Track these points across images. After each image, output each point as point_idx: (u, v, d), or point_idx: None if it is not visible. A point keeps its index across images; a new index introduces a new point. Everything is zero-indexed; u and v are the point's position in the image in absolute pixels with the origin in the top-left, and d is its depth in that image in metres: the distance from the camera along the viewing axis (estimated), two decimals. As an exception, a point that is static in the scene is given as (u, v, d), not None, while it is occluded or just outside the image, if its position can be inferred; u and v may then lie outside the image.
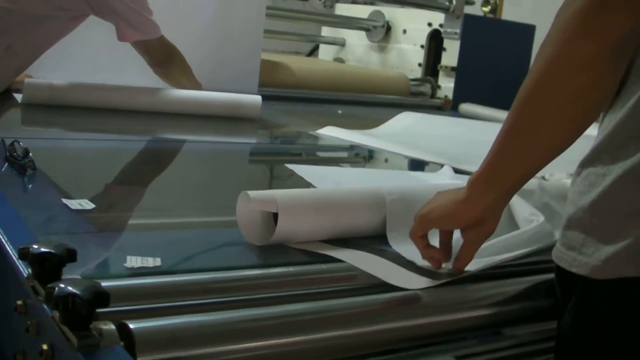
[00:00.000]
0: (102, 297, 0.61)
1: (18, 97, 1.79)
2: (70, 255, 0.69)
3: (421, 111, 2.38)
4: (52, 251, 0.68)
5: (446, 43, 2.84)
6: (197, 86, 2.02)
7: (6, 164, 1.17)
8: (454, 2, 2.73)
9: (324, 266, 0.87)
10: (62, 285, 0.61)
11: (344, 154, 1.89)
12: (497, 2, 2.89)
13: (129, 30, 1.82)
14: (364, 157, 1.82)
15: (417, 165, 1.68)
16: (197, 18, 2.23)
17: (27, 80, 1.78)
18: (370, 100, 2.72)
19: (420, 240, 0.91)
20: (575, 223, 0.86)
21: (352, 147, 1.82)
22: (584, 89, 0.79)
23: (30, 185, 1.12)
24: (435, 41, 2.92)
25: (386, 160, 1.78)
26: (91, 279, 0.70)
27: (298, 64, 2.76)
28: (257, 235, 0.92)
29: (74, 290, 0.60)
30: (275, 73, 2.56)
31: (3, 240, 0.82)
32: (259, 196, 0.91)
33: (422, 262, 0.92)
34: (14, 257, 0.76)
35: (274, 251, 0.91)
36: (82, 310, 0.60)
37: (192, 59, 2.02)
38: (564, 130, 0.82)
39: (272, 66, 2.56)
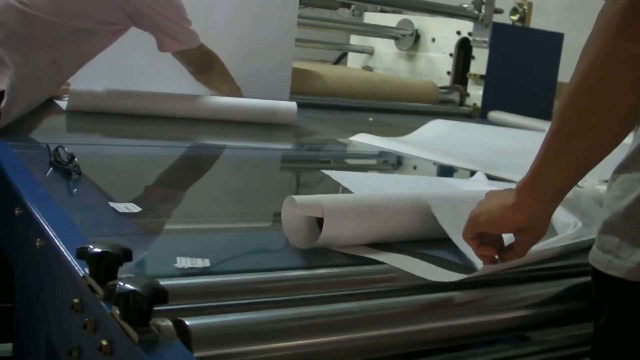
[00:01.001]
0: (161, 295, 0.64)
1: (61, 104, 1.84)
2: (126, 255, 0.72)
3: (450, 119, 2.40)
4: (109, 251, 0.71)
5: (475, 51, 2.85)
6: (237, 92, 2.08)
7: (51, 168, 1.21)
8: (483, 10, 2.75)
9: (366, 268, 0.89)
10: (122, 283, 0.64)
11: (376, 161, 1.91)
12: (526, 11, 2.90)
13: (168, 41, 1.88)
14: (393, 164, 1.84)
15: (449, 172, 1.70)
16: (231, 28, 2.27)
17: (72, 87, 1.83)
18: (400, 108, 2.74)
19: (473, 241, 0.92)
20: (611, 227, 0.87)
21: (383, 154, 1.84)
22: (626, 89, 0.79)
23: (75, 190, 1.15)
24: (463, 49, 2.94)
25: (415, 167, 1.80)
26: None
27: (328, 72, 2.79)
28: (302, 238, 0.94)
29: (135, 288, 0.63)
30: (306, 81, 2.59)
31: (57, 241, 0.85)
32: (305, 201, 0.93)
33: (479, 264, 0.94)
34: (69, 257, 0.80)
35: (317, 254, 0.93)
36: (142, 307, 0.63)
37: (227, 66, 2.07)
38: (607, 133, 0.82)
39: (303, 74, 2.59)
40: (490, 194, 0.93)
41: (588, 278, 0.98)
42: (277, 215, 0.96)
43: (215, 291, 0.77)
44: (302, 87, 2.52)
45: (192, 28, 1.91)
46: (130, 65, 2.06)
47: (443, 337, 0.85)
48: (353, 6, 3.45)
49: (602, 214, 0.91)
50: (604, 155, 0.85)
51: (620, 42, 0.78)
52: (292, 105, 2.04)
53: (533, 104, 2.79)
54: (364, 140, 1.90)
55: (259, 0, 2.36)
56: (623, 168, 0.89)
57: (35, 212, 0.95)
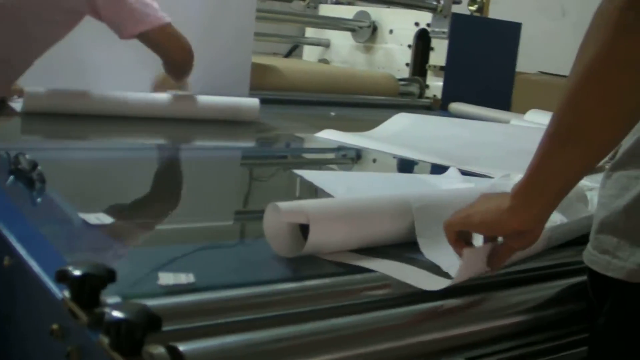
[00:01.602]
0: (154, 321, 0.59)
1: (15, 106, 1.75)
2: (110, 276, 0.67)
3: (411, 111, 2.37)
4: (92, 273, 0.65)
5: (434, 42, 2.83)
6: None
7: (11, 177, 1.14)
8: (442, 1, 2.72)
9: (358, 277, 0.85)
10: (110, 310, 0.59)
11: (344, 158, 1.87)
12: (484, 1, 2.89)
13: (126, 25, 1.73)
14: (361, 159, 1.81)
15: (410, 165, 1.68)
16: (188, 22, 2.19)
17: (27, 88, 1.73)
18: (361, 102, 2.70)
19: (453, 234, 0.88)
20: (609, 226, 0.85)
21: (353, 150, 1.80)
22: (627, 88, 0.76)
23: (41, 200, 1.08)
24: (422, 41, 2.91)
25: (374, 162, 1.78)
26: (131, 299, 0.68)
27: (287, 66, 2.74)
28: (286, 247, 0.90)
29: (126, 316, 0.58)
30: (265, 76, 2.54)
31: (29, 259, 0.79)
32: (289, 208, 0.89)
33: (447, 267, 0.91)
34: (44, 279, 0.74)
35: (304, 262, 0.88)
36: (136, 336, 0.58)
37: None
38: (608, 133, 0.79)
39: (262, 69, 2.53)
40: (484, 196, 0.89)
41: (581, 278, 0.96)
42: (255, 219, 0.92)
43: (204, 309, 0.72)
44: (261, 82, 2.47)
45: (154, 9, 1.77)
46: (84, 63, 1.98)
47: (442, 347, 0.81)
48: (308, -2, 3.40)
49: (597, 212, 0.88)
50: (604, 156, 0.82)
51: (620, 39, 0.74)
52: (255, 102, 1.98)
53: (492, 94, 2.78)
54: (330, 136, 1.86)
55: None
56: (618, 165, 0.86)
57: (1, 227, 0.89)
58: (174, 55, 1.83)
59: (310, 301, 0.78)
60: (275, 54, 3.62)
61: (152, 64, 1.88)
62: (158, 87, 1.94)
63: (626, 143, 0.87)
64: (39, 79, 1.80)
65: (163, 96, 1.89)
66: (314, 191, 1.29)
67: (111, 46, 1.84)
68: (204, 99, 1.94)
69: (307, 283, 0.81)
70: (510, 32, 2.91)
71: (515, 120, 2.30)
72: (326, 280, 0.82)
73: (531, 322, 0.91)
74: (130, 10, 1.71)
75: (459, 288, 0.87)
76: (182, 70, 1.88)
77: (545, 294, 0.95)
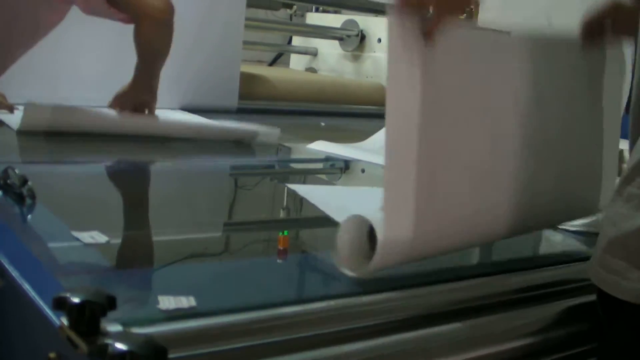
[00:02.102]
0: (160, 353, 0.56)
1: (7, 121, 1.69)
2: (110, 303, 0.63)
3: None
4: (92, 300, 0.62)
5: (423, 51, 2.81)
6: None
7: (0, 192, 1.10)
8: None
9: (365, 299, 0.82)
10: (115, 343, 0.56)
11: (332, 168, 1.85)
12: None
13: None
14: (350, 170, 1.79)
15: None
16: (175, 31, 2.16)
17: (27, 104, 1.62)
18: (351, 112, 2.69)
19: None
20: (619, 247, 0.83)
21: (342, 161, 1.78)
22: None
23: (31, 217, 1.05)
24: (410, 50, 2.89)
25: (362, 172, 1.79)
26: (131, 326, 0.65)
27: (275, 75, 2.72)
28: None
29: (131, 348, 0.55)
30: (253, 85, 2.51)
31: (22, 282, 0.75)
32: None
33: None
34: (39, 303, 0.71)
35: (306, 283, 0.86)
36: (141, 370, 0.55)
37: (170, 72, 1.86)
38: None
39: (250, 78, 2.51)
40: None
41: (586, 297, 0.95)
42: (258, 238, 0.89)
43: (208, 335, 0.69)
44: (249, 91, 2.44)
45: None
46: (65, 69, 1.93)
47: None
48: (295, 7, 3.38)
49: (606, 229, 0.86)
50: None
51: None
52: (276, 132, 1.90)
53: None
54: (322, 148, 1.83)
55: (205, 2, 2.27)
56: (628, 180, 0.85)
57: (-9, 246, 0.86)
58: (148, 11, 1.66)
59: (316, 324, 0.75)
60: (259, 62, 3.59)
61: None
62: (118, 102, 1.75)
63: (633, 158, 0.85)
64: (17, 88, 1.75)
65: (166, 119, 1.82)
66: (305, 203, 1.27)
67: (93, 52, 1.80)
68: (210, 124, 1.88)
69: (313, 306, 0.78)
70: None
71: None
72: (331, 303, 0.79)
73: (537, 345, 0.89)
74: None
75: (464, 310, 0.85)
76: (159, 33, 1.71)
77: (550, 315, 0.94)
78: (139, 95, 1.73)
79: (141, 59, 1.69)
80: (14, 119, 1.66)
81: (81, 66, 1.99)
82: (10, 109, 1.74)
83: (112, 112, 1.72)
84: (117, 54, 1.92)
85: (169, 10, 1.67)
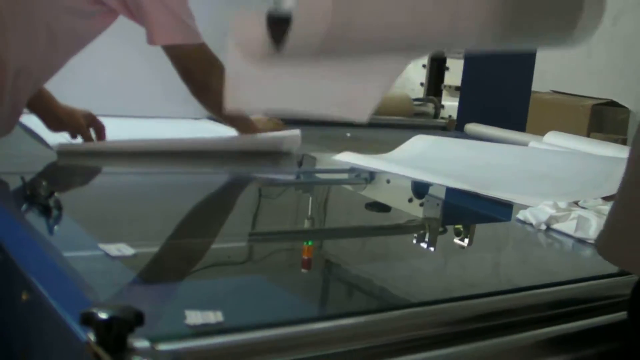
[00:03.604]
0: (189, 372, 0.55)
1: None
2: (137, 319, 0.63)
3: (426, 131, 2.33)
4: (120, 316, 0.62)
5: (449, 62, 2.80)
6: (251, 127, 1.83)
7: (26, 203, 1.10)
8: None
9: (396, 313, 0.81)
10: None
11: (357, 178, 1.83)
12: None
13: (160, 30, 1.53)
14: (375, 180, 1.77)
15: (437, 190, 1.64)
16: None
17: (60, 145, 1.59)
18: (376, 122, 2.67)
19: None
20: None
21: (367, 172, 1.76)
22: None
23: (58, 229, 1.04)
24: (437, 61, 2.87)
25: (387, 182, 1.75)
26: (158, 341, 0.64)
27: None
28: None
29: (160, 367, 0.54)
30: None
31: (49, 297, 0.75)
32: None
33: None
34: (66, 319, 0.70)
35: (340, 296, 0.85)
36: (169, 389, 0.54)
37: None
38: None
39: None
40: None
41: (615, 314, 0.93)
42: (286, 249, 0.88)
43: (237, 352, 0.68)
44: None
45: (193, 24, 1.60)
46: (101, 83, 1.94)
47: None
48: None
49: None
50: None
51: None
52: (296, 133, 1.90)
53: (508, 114, 2.75)
54: (350, 159, 1.82)
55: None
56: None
57: (18, 260, 0.85)
58: (198, 77, 1.64)
59: (348, 341, 0.74)
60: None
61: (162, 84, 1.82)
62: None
63: None
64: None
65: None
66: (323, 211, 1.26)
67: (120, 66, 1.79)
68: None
69: (345, 321, 0.76)
70: (526, 51, 2.88)
71: (533, 142, 2.26)
72: (360, 319, 0.78)
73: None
74: (171, 15, 1.54)
75: (491, 327, 0.83)
76: (198, 89, 1.68)
77: (578, 333, 0.91)
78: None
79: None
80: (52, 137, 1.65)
81: (89, 73, 1.98)
82: (89, 138, 1.66)
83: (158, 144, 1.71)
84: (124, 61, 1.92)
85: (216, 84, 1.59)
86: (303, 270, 1.00)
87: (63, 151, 1.58)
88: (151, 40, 1.56)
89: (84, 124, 1.64)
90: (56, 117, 1.61)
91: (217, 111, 1.75)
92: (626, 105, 4.14)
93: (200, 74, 1.62)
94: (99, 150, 1.65)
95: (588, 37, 0.82)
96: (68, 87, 1.63)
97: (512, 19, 0.79)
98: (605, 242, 0.82)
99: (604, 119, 4.01)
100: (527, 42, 0.94)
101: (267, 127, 1.90)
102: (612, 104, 4.10)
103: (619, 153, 1.95)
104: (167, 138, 1.77)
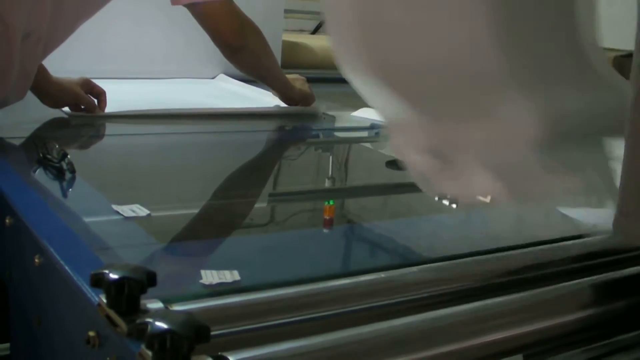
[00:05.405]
0: (203, 333, 0.53)
1: None
2: (150, 280, 0.61)
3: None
4: (131, 276, 0.59)
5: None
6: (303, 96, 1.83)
7: (39, 166, 1.08)
8: None
9: (414, 269, 0.78)
10: (154, 322, 0.52)
11: (377, 136, 1.81)
12: None
13: None
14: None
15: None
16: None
17: (72, 113, 1.54)
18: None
19: None
20: None
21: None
22: None
23: (71, 191, 1.02)
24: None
25: None
26: (173, 302, 0.62)
27: (317, 43, 2.67)
28: None
29: (171, 327, 0.52)
30: (295, 54, 2.47)
31: (61, 261, 0.73)
32: None
33: None
34: (78, 282, 0.68)
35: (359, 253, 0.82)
36: (182, 349, 0.52)
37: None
38: None
39: (292, 47, 2.47)
40: None
41: None
42: (303, 209, 0.85)
43: (254, 311, 0.66)
44: (290, 59, 2.40)
45: None
46: (113, 48, 1.91)
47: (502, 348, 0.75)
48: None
49: None
50: None
51: None
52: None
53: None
54: (367, 115, 1.79)
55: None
56: None
57: (30, 224, 0.84)
58: (224, 37, 1.60)
59: (364, 298, 0.71)
60: (301, 31, 3.55)
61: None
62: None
63: None
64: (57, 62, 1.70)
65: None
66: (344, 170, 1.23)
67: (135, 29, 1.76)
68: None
69: (361, 279, 0.74)
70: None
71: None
72: (381, 275, 0.75)
73: (597, 317, 0.84)
74: None
75: (519, 281, 0.80)
76: (231, 51, 1.65)
77: (607, 283, 0.88)
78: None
79: None
80: None
81: (101, 39, 1.95)
82: (93, 106, 1.57)
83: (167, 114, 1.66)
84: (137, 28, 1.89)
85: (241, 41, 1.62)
86: (324, 230, 0.98)
87: (75, 115, 1.55)
88: (175, 0, 1.52)
89: (81, 92, 1.57)
90: (49, 94, 1.56)
91: (251, 70, 1.74)
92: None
93: (231, 34, 1.59)
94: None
95: None
96: (79, 49, 1.60)
97: None
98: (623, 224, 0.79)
99: (625, 71, 3.93)
100: None
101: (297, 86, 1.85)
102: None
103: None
104: (186, 108, 1.73)
